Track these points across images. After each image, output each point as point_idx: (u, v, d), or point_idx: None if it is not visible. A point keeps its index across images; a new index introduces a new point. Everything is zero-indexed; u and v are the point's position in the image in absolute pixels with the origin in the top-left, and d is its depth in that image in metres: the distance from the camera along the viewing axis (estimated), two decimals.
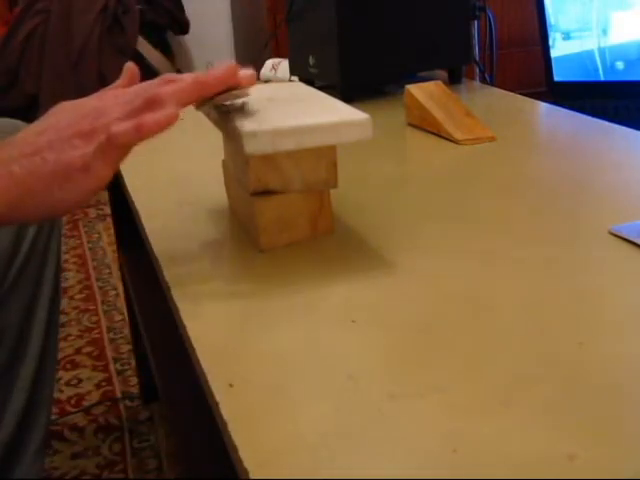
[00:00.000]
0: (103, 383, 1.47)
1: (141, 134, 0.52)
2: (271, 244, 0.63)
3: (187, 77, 0.56)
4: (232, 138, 0.59)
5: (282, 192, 0.62)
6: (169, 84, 0.55)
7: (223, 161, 0.74)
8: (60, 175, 0.52)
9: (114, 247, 1.75)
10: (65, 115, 0.56)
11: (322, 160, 0.63)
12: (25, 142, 0.54)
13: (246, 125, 0.56)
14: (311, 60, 1.21)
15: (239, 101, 0.62)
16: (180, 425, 0.82)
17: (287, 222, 0.63)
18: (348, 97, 1.07)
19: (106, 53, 2.46)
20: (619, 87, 1.71)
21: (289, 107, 0.64)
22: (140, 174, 0.87)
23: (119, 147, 0.52)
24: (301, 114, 0.61)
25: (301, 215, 0.63)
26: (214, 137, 0.75)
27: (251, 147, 0.56)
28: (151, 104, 0.53)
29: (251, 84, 0.59)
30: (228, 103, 0.62)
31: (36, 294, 0.97)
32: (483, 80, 1.42)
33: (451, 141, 0.91)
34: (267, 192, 0.62)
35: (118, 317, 1.74)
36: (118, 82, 0.61)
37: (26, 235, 0.94)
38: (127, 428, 1.34)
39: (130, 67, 0.62)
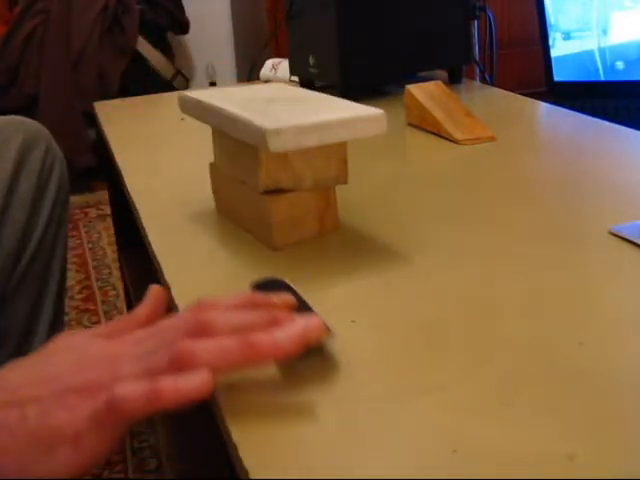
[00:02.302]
0: None
1: (154, 404, 0.38)
2: (284, 242, 0.63)
3: (231, 336, 0.40)
4: (245, 137, 0.59)
5: (293, 190, 0.62)
6: (207, 333, 0.41)
7: (211, 164, 0.73)
8: (40, 442, 0.38)
9: (114, 247, 1.75)
10: (67, 358, 0.42)
11: (333, 157, 0.63)
12: (6, 385, 0.40)
13: (267, 123, 0.56)
14: (311, 60, 1.21)
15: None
16: (180, 425, 0.82)
17: (298, 220, 0.63)
18: (348, 97, 1.07)
19: (106, 53, 2.46)
20: (619, 87, 1.71)
21: (301, 105, 0.64)
22: (140, 174, 0.88)
23: (121, 416, 0.38)
24: (319, 111, 0.61)
25: (309, 212, 0.64)
26: None
27: (275, 144, 0.55)
28: (177, 362, 0.39)
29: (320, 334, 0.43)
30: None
31: (43, 291, 0.97)
32: (483, 80, 1.42)
33: (451, 141, 0.91)
34: (278, 190, 0.62)
35: (118, 317, 1.73)
36: (139, 309, 0.47)
37: (34, 232, 0.94)
38: None
39: (155, 291, 0.48)
